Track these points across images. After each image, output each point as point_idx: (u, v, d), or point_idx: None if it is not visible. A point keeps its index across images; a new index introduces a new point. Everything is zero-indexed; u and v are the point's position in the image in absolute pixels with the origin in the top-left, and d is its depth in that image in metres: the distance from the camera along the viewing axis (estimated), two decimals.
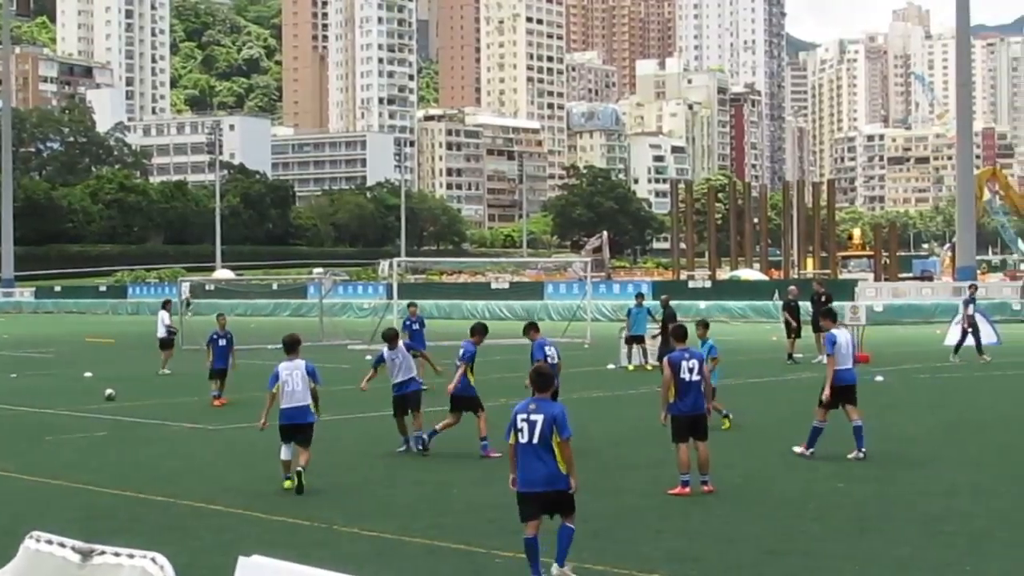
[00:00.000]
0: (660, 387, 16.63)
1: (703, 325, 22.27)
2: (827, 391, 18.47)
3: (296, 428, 16.70)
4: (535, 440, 11.18)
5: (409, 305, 34.06)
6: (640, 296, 38.25)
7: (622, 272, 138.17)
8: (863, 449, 18.48)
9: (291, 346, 17.21)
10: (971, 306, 38.38)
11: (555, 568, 11.46)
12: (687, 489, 15.72)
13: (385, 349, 20.05)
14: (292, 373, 16.82)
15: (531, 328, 21.31)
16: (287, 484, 16.50)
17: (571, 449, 11.29)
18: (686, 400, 16.00)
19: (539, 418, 11.21)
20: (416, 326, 31.38)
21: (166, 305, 40.13)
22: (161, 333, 37.94)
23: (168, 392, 31.07)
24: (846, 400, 18.64)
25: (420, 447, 19.57)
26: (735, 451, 19.09)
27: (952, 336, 42.57)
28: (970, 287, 43.44)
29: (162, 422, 24.66)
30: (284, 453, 16.74)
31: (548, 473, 11.19)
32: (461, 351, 19.87)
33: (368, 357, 34.70)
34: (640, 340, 35.65)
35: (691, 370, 16.03)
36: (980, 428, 22.63)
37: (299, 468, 16.51)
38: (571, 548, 11.46)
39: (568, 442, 11.22)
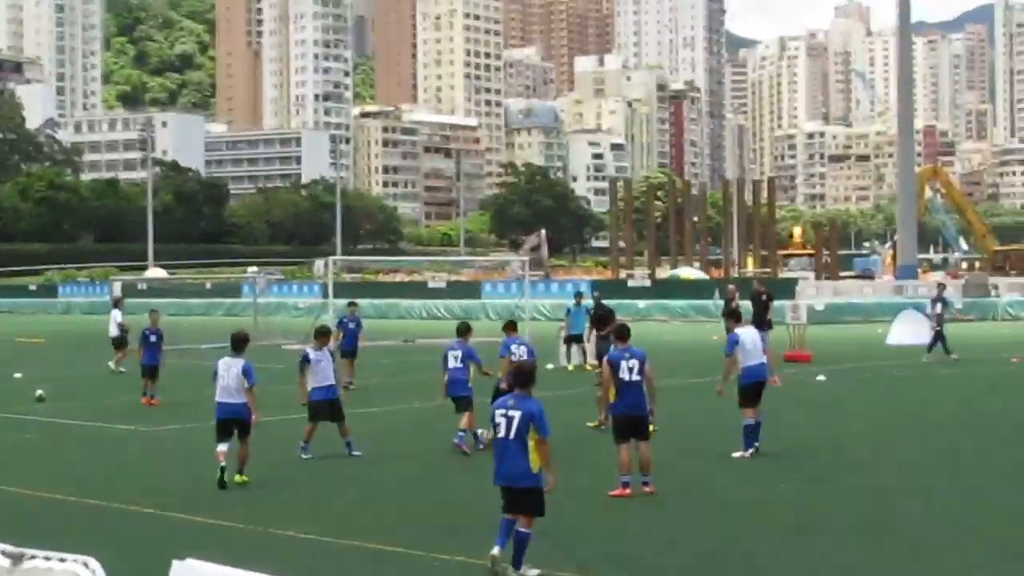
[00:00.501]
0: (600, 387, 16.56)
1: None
2: (719, 387, 18.95)
3: (232, 422, 16.84)
4: (511, 436, 11.36)
5: (349, 304, 33.49)
6: (579, 295, 38.19)
7: (561, 271, 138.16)
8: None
9: (236, 344, 17.33)
10: (939, 304, 38.70)
11: (511, 571, 11.44)
12: (628, 490, 15.59)
13: (310, 349, 19.26)
14: (228, 370, 16.99)
15: (507, 326, 21.28)
16: (220, 475, 16.45)
17: (548, 447, 11.42)
18: (626, 400, 15.88)
19: (516, 414, 11.39)
20: (352, 325, 31.12)
21: (118, 304, 40.08)
22: (114, 332, 37.72)
23: (99, 393, 30.80)
24: (757, 396, 18.71)
25: (352, 452, 19.37)
26: (676, 452, 19.01)
27: (908, 336, 43.05)
28: (938, 286, 43.79)
29: (93, 423, 24.37)
30: (220, 447, 16.73)
31: (519, 469, 11.34)
32: (460, 352, 19.93)
33: None
34: (579, 340, 35.59)
35: (631, 370, 15.90)
36: (922, 428, 22.76)
37: (237, 475, 16.71)
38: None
39: (545, 440, 11.35)
